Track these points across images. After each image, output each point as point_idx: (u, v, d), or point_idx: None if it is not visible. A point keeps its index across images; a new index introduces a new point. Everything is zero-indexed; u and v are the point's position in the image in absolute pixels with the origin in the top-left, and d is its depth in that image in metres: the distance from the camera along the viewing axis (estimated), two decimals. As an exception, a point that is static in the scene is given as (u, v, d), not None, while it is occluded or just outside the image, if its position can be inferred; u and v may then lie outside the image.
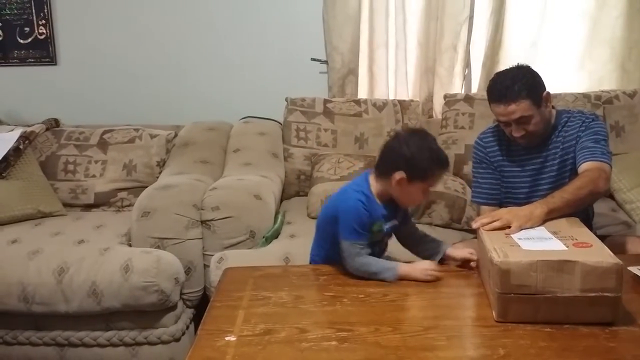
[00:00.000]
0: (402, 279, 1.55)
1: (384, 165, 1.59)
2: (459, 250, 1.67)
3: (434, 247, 1.69)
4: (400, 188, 1.56)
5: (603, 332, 1.26)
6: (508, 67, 1.89)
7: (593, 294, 1.27)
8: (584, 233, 1.47)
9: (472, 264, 1.62)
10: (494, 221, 1.58)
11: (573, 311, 1.29)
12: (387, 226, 1.64)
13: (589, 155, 1.80)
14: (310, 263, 1.75)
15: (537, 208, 1.62)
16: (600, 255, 1.30)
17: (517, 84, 1.76)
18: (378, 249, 1.67)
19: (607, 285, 1.26)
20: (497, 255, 1.34)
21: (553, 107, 1.96)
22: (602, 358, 1.17)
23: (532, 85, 1.79)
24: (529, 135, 1.84)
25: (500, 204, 1.96)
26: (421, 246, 1.72)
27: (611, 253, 1.31)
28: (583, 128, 1.88)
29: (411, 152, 1.54)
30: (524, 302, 1.30)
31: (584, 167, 1.79)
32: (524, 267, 1.29)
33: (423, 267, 1.57)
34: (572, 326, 1.28)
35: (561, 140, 1.91)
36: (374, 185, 1.62)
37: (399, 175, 1.54)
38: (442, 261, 1.66)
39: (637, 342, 1.23)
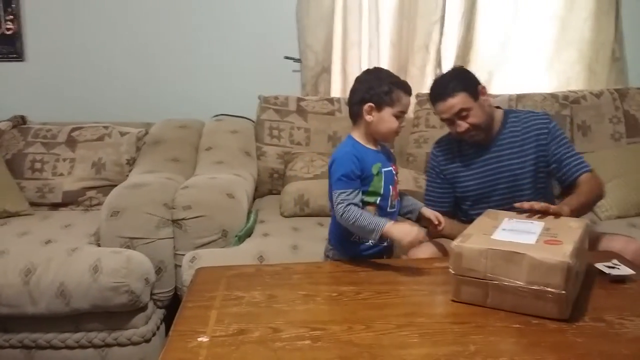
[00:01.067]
0: (385, 237, 1.62)
1: (353, 108, 1.74)
2: (430, 211, 1.81)
3: (411, 205, 1.84)
4: (374, 119, 1.68)
5: (570, 328, 1.28)
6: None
7: (537, 287, 1.32)
8: (572, 233, 1.48)
9: (440, 227, 1.78)
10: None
11: (520, 302, 1.35)
12: (386, 168, 1.71)
13: (580, 167, 1.94)
14: (328, 242, 1.83)
15: (565, 207, 1.71)
16: (553, 252, 1.33)
17: (452, 82, 1.90)
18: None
19: (551, 281, 1.30)
20: (458, 239, 1.43)
21: (499, 108, 2.07)
22: (569, 353, 1.19)
23: (466, 80, 1.92)
24: (474, 129, 1.91)
25: (451, 211, 2.07)
26: (401, 202, 1.82)
27: (569, 253, 1.33)
28: (545, 132, 1.96)
29: (369, 83, 1.70)
30: (474, 285, 1.39)
31: (582, 178, 1.93)
32: (474, 252, 1.39)
33: (412, 234, 1.57)
34: (540, 322, 1.30)
35: (512, 139, 1.98)
36: (358, 135, 1.74)
37: (367, 106, 1.67)
38: (419, 220, 1.83)
39: (603, 337, 1.25)
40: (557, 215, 1.62)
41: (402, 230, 1.59)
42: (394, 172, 1.75)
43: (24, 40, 2.97)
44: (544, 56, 3.07)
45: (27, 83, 3.01)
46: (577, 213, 1.73)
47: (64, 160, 2.60)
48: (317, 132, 2.75)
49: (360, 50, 2.96)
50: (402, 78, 3.01)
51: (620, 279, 1.52)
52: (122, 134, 2.67)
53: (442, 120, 1.96)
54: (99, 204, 2.47)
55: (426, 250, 1.88)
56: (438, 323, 1.34)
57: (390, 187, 1.72)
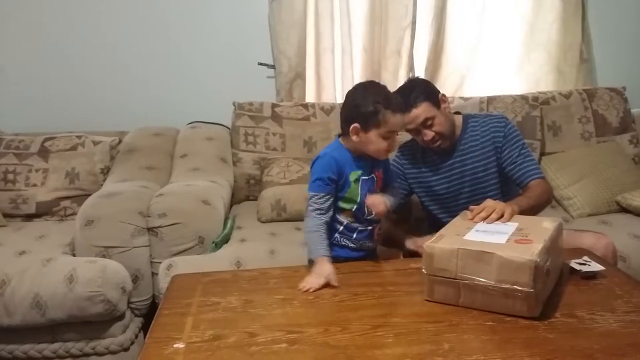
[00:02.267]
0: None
1: (342, 123, 1.69)
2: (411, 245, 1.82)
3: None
4: (360, 139, 1.64)
5: (542, 324, 1.31)
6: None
7: (507, 286, 1.34)
8: (543, 232, 1.50)
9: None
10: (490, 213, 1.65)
11: (491, 301, 1.37)
12: (366, 177, 1.69)
13: (531, 172, 1.96)
14: None
15: (511, 206, 1.70)
16: (522, 251, 1.36)
17: (413, 92, 1.91)
18: (367, 235, 1.73)
19: (520, 279, 1.32)
20: (431, 240, 1.46)
21: (459, 113, 2.11)
22: (541, 349, 1.21)
23: (427, 90, 1.95)
24: (440, 138, 1.95)
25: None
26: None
27: (537, 251, 1.34)
28: (500, 135, 1.99)
29: (356, 101, 1.63)
30: (446, 284, 1.42)
31: (533, 183, 1.94)
32: (446, 252, 1.41)
33: (318, 280, 1.55)
34: (513, 319, 1.33)
35: (472, 143, 2.01)
36: (346, 142, 1.71)
37: (353, 127, 1.62)
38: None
39: (574, 333, 1.28)
40: (503, 216, 1.63)
41: (318, 272, 1.57)
42: (375, 179, 1.73)
43: (-6, 50, 2.94)
44: (513, 58, 3.12)
45: (-2, 94, 2.98)
46: (524, 214, 1.72)
47: (37, 170, 2.57)
48: (293, 138, 2.76)
49: (333, 56, 2.97)
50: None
51: (591, 275, 1.55)
52: (96, 143, 2.65)
53: (408, 131, 1.98)
54: (74, 213, 2.45)
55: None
56: (412, 323, 1.36)
57: (368, 194, 1.70)
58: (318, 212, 1.65)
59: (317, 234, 1.64)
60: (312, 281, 1.55)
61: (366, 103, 1.61)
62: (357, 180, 1.68)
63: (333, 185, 1.67)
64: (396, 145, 1.69)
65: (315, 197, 1.65)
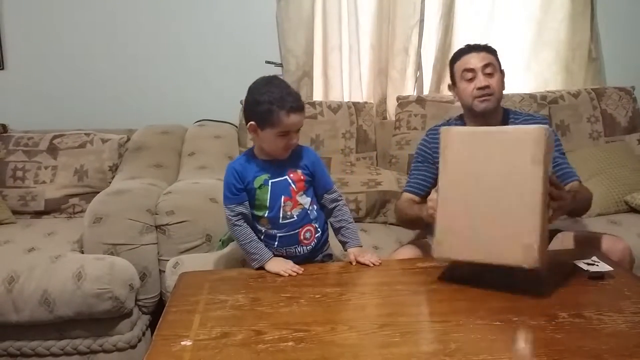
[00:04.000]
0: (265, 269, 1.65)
1: (244, 121, 1.68)
2: (352, 255, 1.72)
3: (346, 238, 1.76)
4: (258, 137, 1.63)
5: (550, 324, 1.30)
6: None
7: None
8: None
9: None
10: None
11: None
12: (276, 179, 1.66)
13: (574, 174, 1.98)
14: None
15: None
16: None
17: (489, 45, 2.01)
18: (290, 240, 1.70)
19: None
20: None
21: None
22: (548, 349, 1.21)
23: (497, 53, 2.01)
24: (490, 94, 1.94)
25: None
26: (338, 235, 1.79)
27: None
28: None
29: (253, 98, 1.61)
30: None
31: (576, 184, 1.95)
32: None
33: (286, 266, 1.63)
34: (520, 319, 1.32)
35: None
36: (255, 146, 1.70)
37: (250, 124, 1.61)
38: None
39: (582, 333, 1.27)
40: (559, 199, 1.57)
41: (276, 266, 1.62)
42: (289, 181, 1.67)
43: (4, 48, 2.95)
44: (521, 57, 3.10)
45: (8, 91, 2.99)
46: (572, 206, 1.68)
47: (46, 168, 2.59)
48: (300, 136, 2.74)
49: (340, 54, 2.97)
50: (383, 83, 3.06)
51: (599, 276, 1.54)
52: (104, 141, 2.66)
53: (463, 72, 1.96)
54: (82, 211, 2.47)
55: (409, 252, 1.89)
56: (419, 322, 1.36)
57: (283, 197, 1.66)
58: (240, 219, 1.66)
59: (254, 243, 1.66)
60: (285, 267, 1.61)
61: (262, 102, 1.58)
62: (262, 186, 1.65)
63: (241, 193, 1.66)
64: (295, 143, 1.64)
65: (230, 208, 1.66)
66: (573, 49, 3.07)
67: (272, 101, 1.57)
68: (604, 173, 2.57)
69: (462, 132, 1.57)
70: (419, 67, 3.04)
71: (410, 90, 3.05)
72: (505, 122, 2.03)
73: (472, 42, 2.03)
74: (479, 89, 1.94)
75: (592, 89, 2.93)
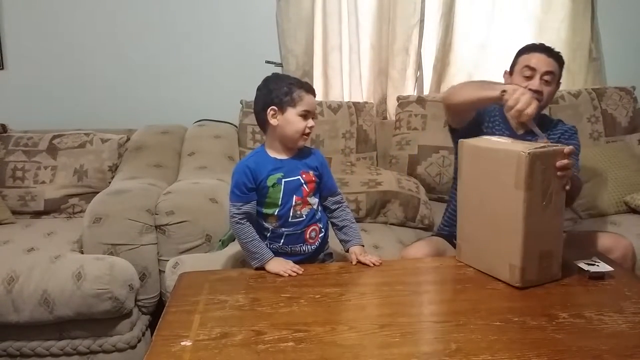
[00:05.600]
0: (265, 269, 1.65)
1: (259, 117, 1.70)
2: (353, 254, 1.73)
3: (347, 237, 1.77)
4: (279, 122, 1.64)
5: (550, 324, 1.31)
6: None
7: None
8: None
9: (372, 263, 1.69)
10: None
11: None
12: (289, 178, 1.67)
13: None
14: None
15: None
16: None
17: (560, 55, 1.96)
18: (297, 238, 1.70)
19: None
20: None
21: None
22: (549, 349, 1.21)
23: (563, 65, 1.98)
24: (538, 98, 1.87)
25: None
26: (340, 234, 1.79)
27: None
28: (566, 136, 1.98)
29: (268, 87, 1.67)
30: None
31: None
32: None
33: (286, 266, 1.63)
34: (521, 319, 1.32)
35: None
36: (268, 144, 1.72)
37: (270, 110, 1.64)
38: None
39: (582, 333, 1.28)
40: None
41: (276, 266, 1.63)
42: (302, 181, 1.68)
43: (3, 48, 2.95)
44: (522, 57, 3.10)
45: (7, 91, 2.98)
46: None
47: (46, 168, 2.58)
48: (300, 136, 2.75)
49: (341, 54, 2.97)
50: (383, 83, 3.07)
51: (599, 276, 1.54)
52: (104, 141, 2.66)
53: (524, 67, 1.93)
54: (82, 211, 2.46)
55: (419, 250, 1.88)
56: (420, 322, 1.36)
57: (294, 196, 1.67)
58: (243, 219, 1.66)
59: (255, 242, 1.66)
60: (285, 267, 1.61)
61: (279, 85, 1.65)
62: (275, 184, 1.66)
63: (251, 192, 1.66)
64: (312, 129, 1.68)
65: (234, 208, 1.65)
66: (573, 49, 3.07)
67: (291, 82, 1.66)
68: (604, 174, 2.56)
69: (470, 145, 1.60)
70: (419, 67, 3.05)
71: (410, 90, 3.05)
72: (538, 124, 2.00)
73: (546, 44, 1.98)
74: (531, 90, 1.90)
75: (592, 89, 2.93)
